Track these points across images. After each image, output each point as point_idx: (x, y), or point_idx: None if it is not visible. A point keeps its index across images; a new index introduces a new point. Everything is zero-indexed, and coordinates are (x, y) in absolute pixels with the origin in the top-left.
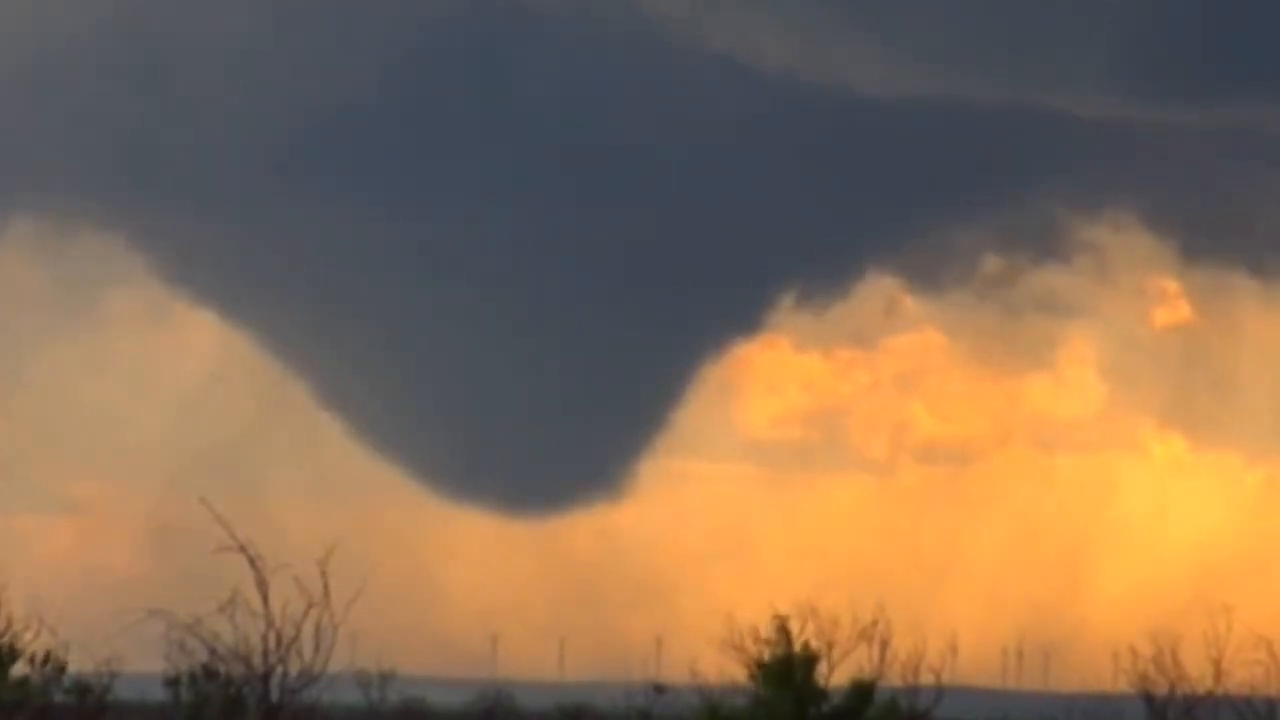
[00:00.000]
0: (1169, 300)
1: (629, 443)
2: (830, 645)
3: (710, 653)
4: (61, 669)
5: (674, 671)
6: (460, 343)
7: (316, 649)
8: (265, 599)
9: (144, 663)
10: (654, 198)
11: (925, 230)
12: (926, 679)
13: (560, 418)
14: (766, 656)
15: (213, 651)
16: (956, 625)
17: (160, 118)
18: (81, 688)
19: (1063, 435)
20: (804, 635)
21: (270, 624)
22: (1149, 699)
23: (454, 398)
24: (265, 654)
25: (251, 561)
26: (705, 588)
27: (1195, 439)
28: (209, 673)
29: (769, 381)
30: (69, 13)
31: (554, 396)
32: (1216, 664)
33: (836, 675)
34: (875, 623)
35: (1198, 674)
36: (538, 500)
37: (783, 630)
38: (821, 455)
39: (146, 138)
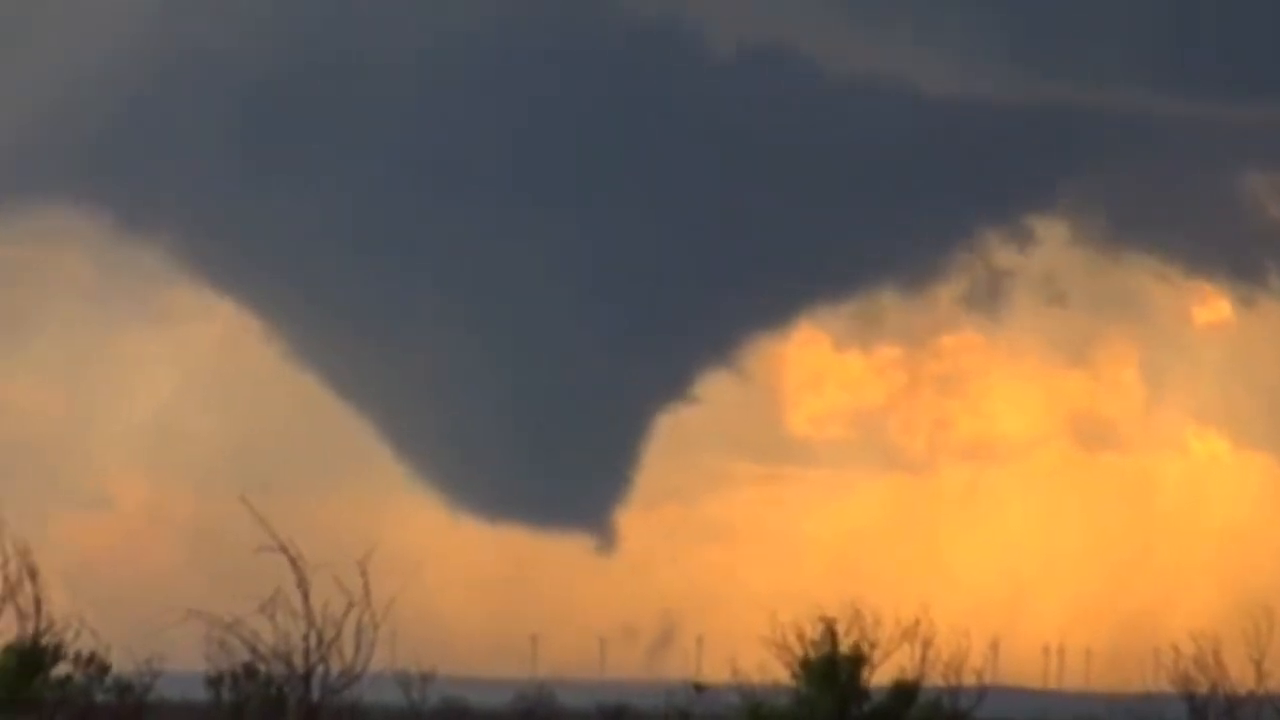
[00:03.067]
0: None
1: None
2: (873, 645)
3: (752, 651)
4: (104, 669)
5: (714, 671)
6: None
7: (357, 648)
8: (306, 598)
9: (185, 662)
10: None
11: None
12: (969, 679)
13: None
14: (811, 656)
15: (254, 651)
16: (999, 625)
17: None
18: (122, 687)
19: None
20: (848, 635)
21: (311, 624)
22: (1190, 699)
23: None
24: (306, 653)
25: (292, 561)
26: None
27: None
28: (250, 672)
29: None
30: None
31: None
32: (1258, 664)
33: (878, 675)
34: (918, 622)
35: (1239, 674)
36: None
37: (829, 631)
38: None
39: None
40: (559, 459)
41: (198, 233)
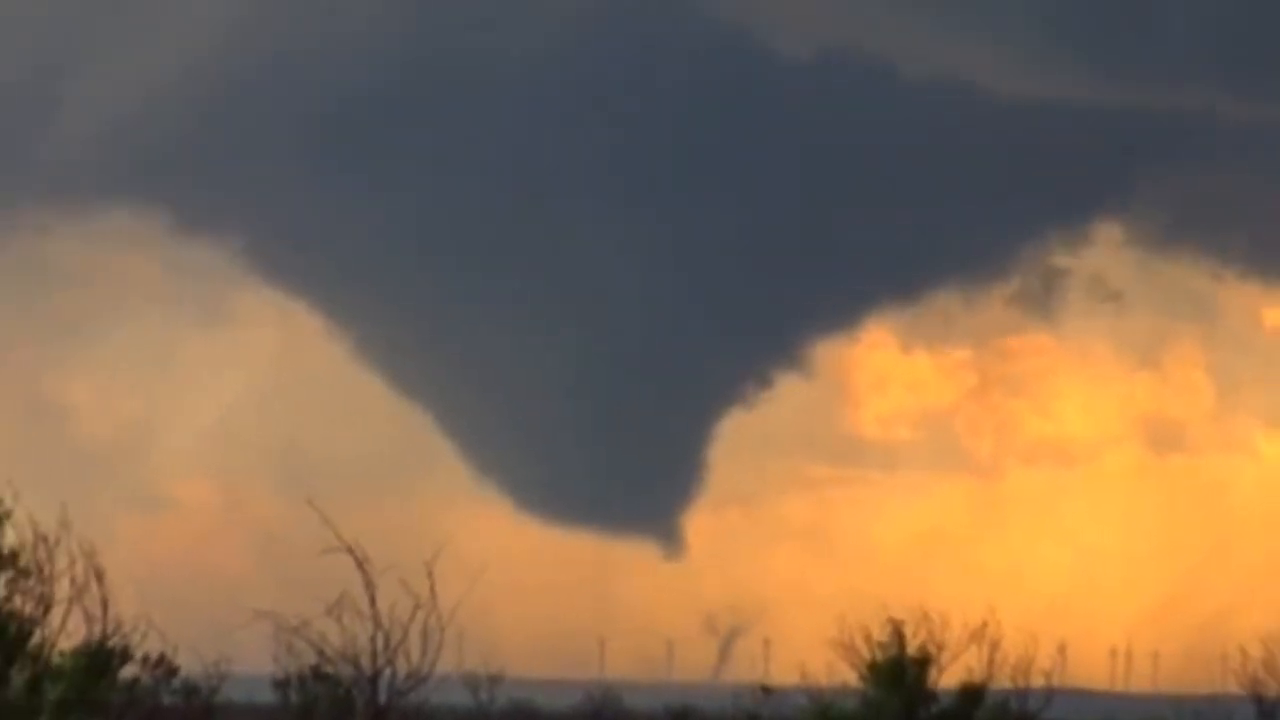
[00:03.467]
0: None
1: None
2: (940, 647)
3: (819, 654)
4: (172, 671)
5: (781, 673)
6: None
7: (424, 650)
8: (373, 601)
9: (252, 664)
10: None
11: None
12: (1036, 681)
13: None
14: (879, 658)
15: (321, 653)
16: (1067, 627)
17: None
18: (190, 689)
19: None
20: (916, 638)
21: (378, 625)
22: (1259, 701)
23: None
24: (373, 655)
25: (359, 564)
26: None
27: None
28: (317, 674)
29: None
30: None
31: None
32: None
33: (946, 677)
34: (985, 625)
35: None
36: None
37: (897, 633)
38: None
39: None
40: (627, 461)
41: (265, 235)
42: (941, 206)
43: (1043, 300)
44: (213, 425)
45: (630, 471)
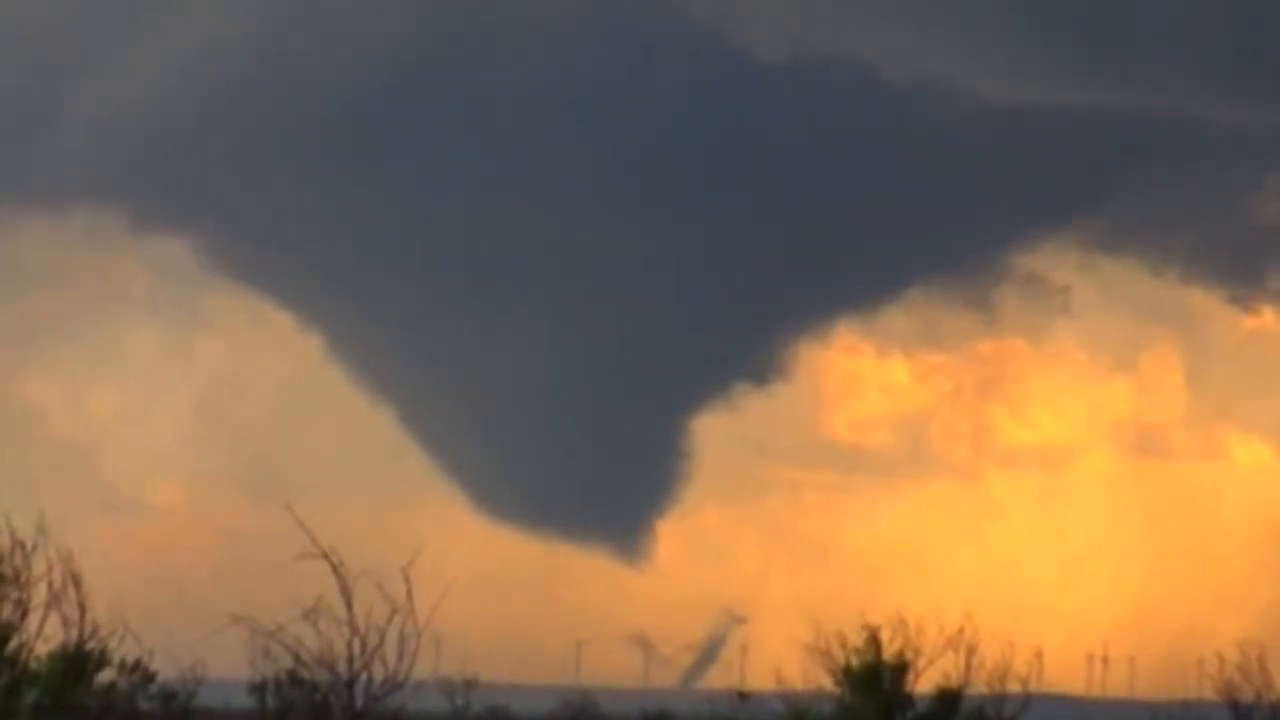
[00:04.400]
0: None
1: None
2: (916, 652)
3: (796, 659)
4: (149, 676)
5: (758, 678)
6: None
7: (400, 655)
8: (349, 605)
9: (229, 669)
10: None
11: None
12: (1013, 687)
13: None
14: (855, 664)
15: (297, 658)
16: (1043, 632)
17: None
18: (167, 694)
19: None
20: (892, 643)
21: (354, 630)
22: (1234, 706)
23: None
24: (350, 660)
25: (335, 568)
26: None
27: None
28: (294, 679)
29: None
30: None
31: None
32: None
33: (922, 682)
34: (962, 629)
35: None
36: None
37: (873, 640)
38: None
39: None
40: (603, 465)
41: (240, 235)
42: (916, 211)
43: (1015, 305)
44: (187, 427)
45: (606, 475)
